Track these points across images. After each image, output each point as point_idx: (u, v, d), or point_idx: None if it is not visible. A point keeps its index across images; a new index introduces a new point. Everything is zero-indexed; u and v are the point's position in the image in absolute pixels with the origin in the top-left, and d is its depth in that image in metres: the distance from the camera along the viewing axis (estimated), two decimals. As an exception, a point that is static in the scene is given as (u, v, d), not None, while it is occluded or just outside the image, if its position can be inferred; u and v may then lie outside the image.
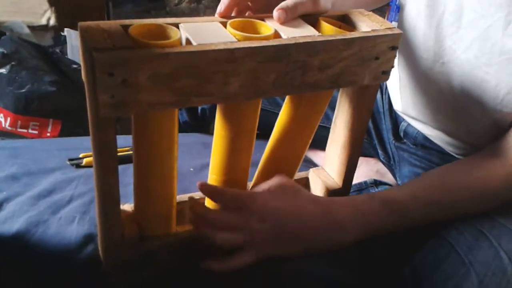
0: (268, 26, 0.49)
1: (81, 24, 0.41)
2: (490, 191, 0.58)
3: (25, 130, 1.21)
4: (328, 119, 0.87)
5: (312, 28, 0.51)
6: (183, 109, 0.93)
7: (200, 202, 0.60)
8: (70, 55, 1.32)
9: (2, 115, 1.20)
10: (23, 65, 1.19)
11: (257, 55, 0.45)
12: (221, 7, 0.53)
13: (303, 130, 0.58)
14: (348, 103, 0.61)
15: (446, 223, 0.59)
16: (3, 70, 1.17)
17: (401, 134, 0.84)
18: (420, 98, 0.73)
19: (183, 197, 0.61)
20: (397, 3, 1.80)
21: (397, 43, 0.53)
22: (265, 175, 0.62)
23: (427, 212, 0.58)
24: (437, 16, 0.65)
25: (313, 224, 0.54)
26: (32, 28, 0.27)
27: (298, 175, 0.68)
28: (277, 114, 0.87)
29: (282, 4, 0.52)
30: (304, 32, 0.49)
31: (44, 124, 1.22)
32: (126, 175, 0.53)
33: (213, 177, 0.57)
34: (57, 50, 1.31)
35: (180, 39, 0.44)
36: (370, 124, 0.89)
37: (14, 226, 0.61)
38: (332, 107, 0.88)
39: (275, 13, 0.51)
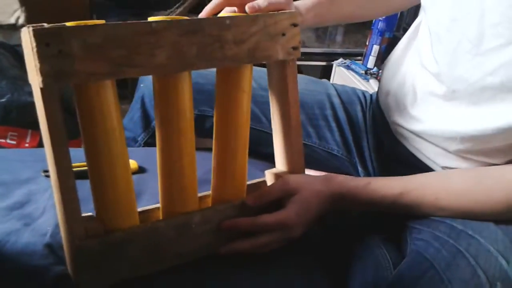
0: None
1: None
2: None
3: (3, 140, 1.19)
4: (308, 136, 0.89)
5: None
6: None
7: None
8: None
9: (-21, 124, 1.18)
10: (3, 75, 1.18)
11: (175, 28, 0.52)
12: (201, 14, 0.65)
13: (235, 112, 0.61)
14: (275, 91, 0.66)
15: (421, 239, 0.60)
16: (-18, 79, 1.16)
17: (385, 150, 0.84)
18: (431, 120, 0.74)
19: (146, 207, 0.62)
20: (378, 27, 1.83)
21: (296, 21, 0.61)
22: (218, 170, 0.64)
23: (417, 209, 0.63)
24: (454, 43, 0.65)
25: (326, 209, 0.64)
26: (0, 27, 0.28)
27: (257, 180, 0.70)
28: (259, 130, 0.87)
29: (254, 3, 0.62)
30: None
31: (23, 134, 1.20)
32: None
33: (162, 170, 0.59)
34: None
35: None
36: (351, 143, 0.90)
37: (-16, 237, 0.59)
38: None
39: (246, 8, 0.62)
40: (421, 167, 0.77)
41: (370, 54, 1.88)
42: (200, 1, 2.06)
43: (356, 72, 1.86)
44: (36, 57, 0.45)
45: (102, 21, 0.50)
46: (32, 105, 1.17)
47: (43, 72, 0.45)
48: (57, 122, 0.48)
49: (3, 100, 1.17)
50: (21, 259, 0.57)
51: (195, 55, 0.54)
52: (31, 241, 0.59)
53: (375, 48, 1.86)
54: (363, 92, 0.97)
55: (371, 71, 1.86)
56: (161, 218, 0.61)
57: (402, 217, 0.67)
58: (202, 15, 0.66)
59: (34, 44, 0.45)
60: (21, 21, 0.29)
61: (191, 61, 0.54)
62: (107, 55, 0.48)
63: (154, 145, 0.63)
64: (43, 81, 0.46)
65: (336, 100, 0.91)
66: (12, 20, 0.28)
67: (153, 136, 0.91)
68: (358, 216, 0.76)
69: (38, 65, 0.45)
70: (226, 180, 0.64)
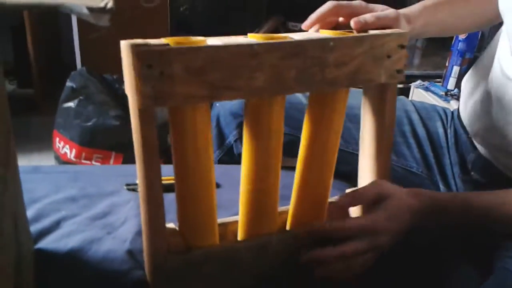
0: (284, 35, 0.54)
1: (123, 41, 0.47)
2: None
3: (88, 162, 1.26)
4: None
5: (325, 34, 0.56)
6: (238, 140, 0.93)
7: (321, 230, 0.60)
8: (134, 92, 1.39)
9: (68, 146, 1.26)
10: (91, 100, 1.26)
11: (276, 51, 0.49)
12: (306, 22, 0.61)
13: (328, 133, 0.59)
14: (371, 112, 0.63)
15: (510, 256, 0.56)
16: (71, 104, 1.25)
17: (469, 166, 0.79)
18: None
19: (225, 219, 0.62)
20: (459, 48, 1.77)
21: (405, 42, 0.56)
22: (300, 190, 0.62)
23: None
24: None
25: (415, 220, 0.60)
26: (91, 9, 0.30)
27: (334, 198, 0.66)
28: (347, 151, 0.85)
29: (361, 18, 0.58)
30: (318, 36, 0.54)
31: (107, 156, 1.27)
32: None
33: (246, 188, 0.57)
34: (123, 87, 1.38)
35: (205, 42, 0.49)
36: (432, 159, 0.86)
37: (69, 243, 0.62)
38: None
39: (352, 22, 0.58)
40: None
41: (450, 75, 1.80)
42: (278, 26, 2.10)
43: (436, 94, 1.79)
44: (137, 78, 0.44)
45: (203, 40, 0.49)
46: (116, 128, 1.25)
47: (143, 94, 0.45)
48: (152, 142, 0.48)
49: (89, 123, 1.25)
50: (102, 265, 0.59)
51: (293, 78, 0.51)
52: (112, 248, 0.61)
53: (456, 69, 1.78)
54: (444, 109, 0.93)
55: (452, 92, 1.78)
56: (239, 233, 0.61)
57: (488, 233, 0.62)
58: (306, 24, 0.63)
59: (136, 65, 0.44)
60: (109, 5, 0.30)
61: (289, 85, 0.52)
62: (207, 77, 0.47)
63: (228, 163, 0.64)
64: (143, 102, 0.45)
65: (415, 116, 0.88)
66: (101, 4, 0.29)
67: (227, 153, 0.93)
68: (439, 232, 0.71)
69: (139, 86, 0.44)
70: (308, 200, 0.62)
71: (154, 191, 0.50)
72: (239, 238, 0.61)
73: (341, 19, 0.63)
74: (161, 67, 0.44)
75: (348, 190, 0.67)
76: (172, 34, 1.77)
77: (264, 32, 2.07)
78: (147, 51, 0.44)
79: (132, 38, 0.49)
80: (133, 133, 0.49)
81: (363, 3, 0.63)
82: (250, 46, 0.48)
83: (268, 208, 0.59)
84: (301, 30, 0.64)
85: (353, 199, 0.60)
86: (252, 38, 0.51)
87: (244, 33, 0.54)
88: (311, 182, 0.61)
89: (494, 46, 0.79)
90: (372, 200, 0.59)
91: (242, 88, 0.49)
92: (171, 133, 0.51)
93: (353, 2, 0.62)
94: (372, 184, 0.61)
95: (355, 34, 0.57)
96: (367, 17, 0.58)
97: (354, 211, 0.65)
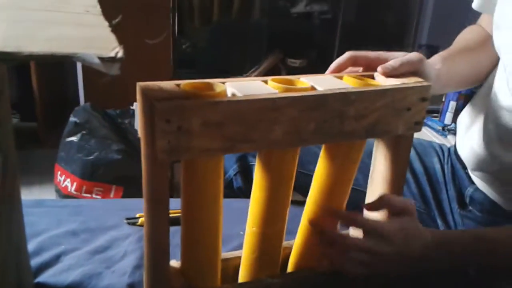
0: (305, 82, 0.53)
1: (139, 83, 0.45)
2: None
3: (89, 195, 1.27)
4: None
5: (344, 82, 0.54)
6: (238, 174, 0.94)
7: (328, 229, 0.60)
8: (136, 126, 1.41)
9: (69, 180, 1.27)
10: (93, 134, 1.28)
11: (298, 104, 0.48)
12: (326, 73, 0.61)
13: (341, 182, 0.58)
14: (384, 156, 0.61)
15: None
16: (74, 138, 1.27)
17: (467, 200, 0.80)
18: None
19: (227, 254, 0.62)
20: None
21: (427, 95, 0.55)
22: (308, 233, 0.61)
23: None
24: None
25: (427, 251, 0.58)
26: (102, 59, 0.31)
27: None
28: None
29: (387, 64, 0.58)
30: (338, 85, 0.52)
31: (107, 189, 1.28)
32: (176, 237, 0.54)
33: (252, 230, 0.57)
34: (125, 121, 1.40)
35: (225, 92, 0.48)
36: (430, 195, 0.86)
37: (69, 278, 0.63)
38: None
39: (379, 69, 0.58)
40: (509, 217, 0.73)
41: (447, 110, 1.83)
42: (277, 63, 2.14)
43: (433, 128, 1.81)
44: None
45: (222, 87, 0.48)
46: (117, 161, 1.26)
47: (159, 148, 0.43)
48: (162, 192, 0.47)
49: (91, 157, 1.26)
50: (101, 299, 0.59)
51: (312, 131, 0.50)
52: (111, 283, 0.62)
53: (452, 104, 1.82)
54: (440, 145, 0.95)
55: (449, 127, 1.80)
56: (241, 273, 0.61)
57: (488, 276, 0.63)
58: (327, 73, 0.61)
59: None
60: (119, 55, 0.31)
61: (306, 137, 0.50)
62: (225, 131, 0.46)
63: (227, 196, 0.63)
64: (157, 156, 0.44)
65: (411, 152, 0.89)
66: (112, 54, 0.30)
67: (227, 187, 0.93)
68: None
69: (155, 140, 0.43)
70: (314, 243, 0.61)
71: (160, 239, 0.49)
72: (240, 278, 0.61)
73: (360, 69, 0.63)
74: (179, 121, 0.43)
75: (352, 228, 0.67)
76: (175, 70, 1.81)
77: (264, 69, 2.11)
78: (167, 107, 0.42)
79: (136, 74, 0.48)
80: (143, 180, 0.47)
81: (382, 52, 0.61)
82: (272, 100, 0.47)
83: (273, 251, 0.59)
84: (299, 67, 0.65)
85: (381, 201, 0.60)
86: (272, 85, 0.50)
87: (244, 68, 0.53)
88: (320, 223, 0.60)
89: (491, 81, 0.81)
90: (396, 210, 0.59)
91: (258, 140, 0.48)
92: (181, 180, 0.50)
93: (371, 52, 0.62)
94: (403, 198, 0.62)
95: (377, 85, 0.55)
96: (392, 63, 0.58)
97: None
